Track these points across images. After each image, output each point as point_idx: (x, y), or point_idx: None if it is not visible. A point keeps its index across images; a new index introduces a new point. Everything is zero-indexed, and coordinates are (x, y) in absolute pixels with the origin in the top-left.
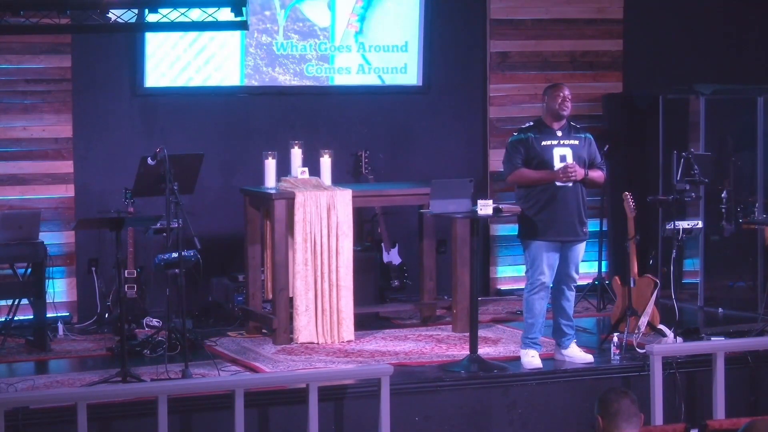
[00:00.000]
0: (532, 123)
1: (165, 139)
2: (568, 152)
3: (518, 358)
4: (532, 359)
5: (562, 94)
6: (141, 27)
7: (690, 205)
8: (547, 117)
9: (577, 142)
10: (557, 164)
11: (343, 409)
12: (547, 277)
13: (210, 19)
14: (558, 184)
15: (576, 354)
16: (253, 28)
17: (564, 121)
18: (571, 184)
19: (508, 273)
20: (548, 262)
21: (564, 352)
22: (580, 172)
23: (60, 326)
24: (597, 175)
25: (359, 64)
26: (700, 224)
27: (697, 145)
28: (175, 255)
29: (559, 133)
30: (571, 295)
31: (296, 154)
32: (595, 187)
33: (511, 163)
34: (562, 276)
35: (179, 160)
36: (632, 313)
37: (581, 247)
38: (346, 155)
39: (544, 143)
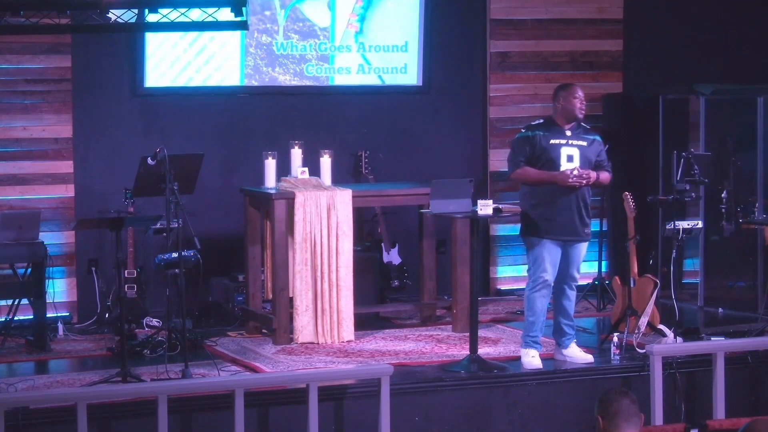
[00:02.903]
0: (542, 120)
1: (165, 139)
2: (575, 152)
3: (518, 358)
4: (532, 359)
5: (579, 96)
6: (141, 27)
7: (690, 205)
8: (559, 117)
9: (585, 143)
10: (564, 164)
11: (343, 409)
12: (550, 275)
13: (210, 19)
14: (576, 185)
15: (576, 354)
16: (253, 28)
17: (574, 122)
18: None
19: (508, 273)
20: (551, 259)
21: (564, 352)
22: (592, 176)
23: (60, 326)
24: (604, 177)
25: (359, 64)
26: (700, 224)
27: (697, 145)
28: (175, 255)
29: (569, 133)
30: (573, 294)
31: (296, 154)
32: (601, 187)
33: (515, 161)
34: (564, 275)
35: (179, 160)
36: (632, 313)
37: (583, 247)
38: (346, 155)
39: (552, 141)
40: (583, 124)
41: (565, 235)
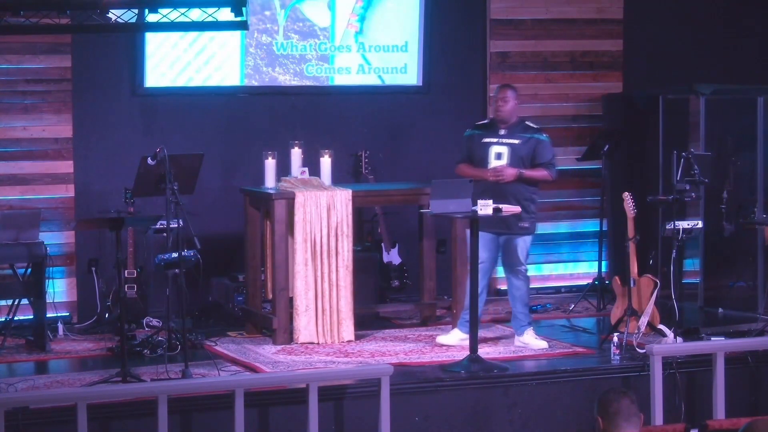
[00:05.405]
0: (486, 120)
1: (165, 139)
2: (504, 150)
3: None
4: (536, 340)
5: (499, 96)
6: (141, 27)
7: (690, 205)
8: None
9: (518, 142)
10: (492, 161)
11: (343, 409)
12: (485, 260)
13: (210, 19)
14: (491, 179)
15: (530, 341)
16: (253, 28)
17: (515, 119)
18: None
19: None
20: (487, 246)
21: (520, 339)
22: (508, 173)
23: (60, 326)
24: (539, 174)
25: (359, 64)
26: (700, 224)
27: (697, 145)
28: (175, 255)
29: (503, 132)
30: (520, 283)
31: (296, 154)
32: (538, 182)
33: (458, 159)
34: (506, 268)
35: (179, 160)
36: (632, 313)
37: (520, 240)
38: (346, 155)
39: (484, 140)
40: (528, 123)
41: (497, 228)
